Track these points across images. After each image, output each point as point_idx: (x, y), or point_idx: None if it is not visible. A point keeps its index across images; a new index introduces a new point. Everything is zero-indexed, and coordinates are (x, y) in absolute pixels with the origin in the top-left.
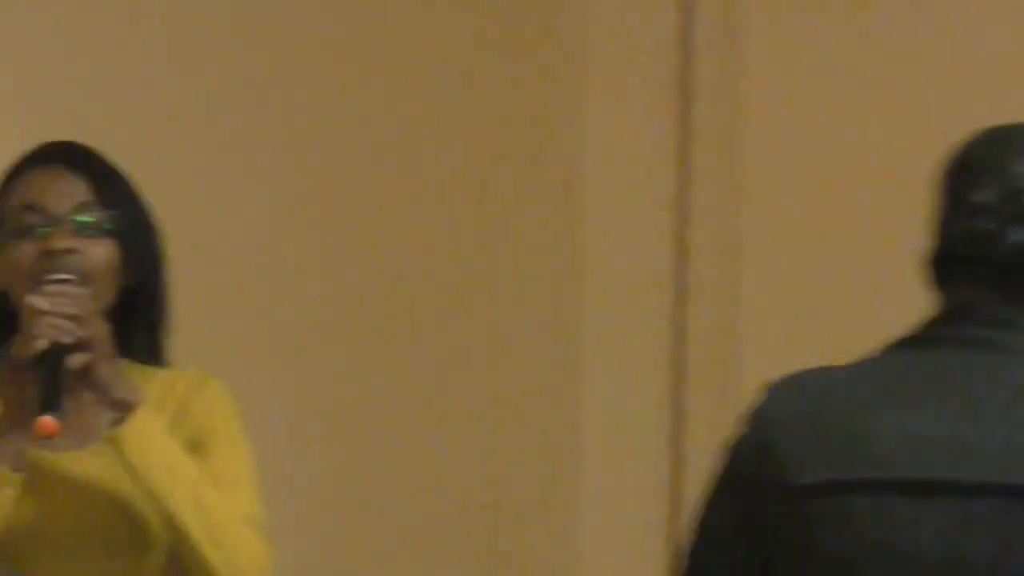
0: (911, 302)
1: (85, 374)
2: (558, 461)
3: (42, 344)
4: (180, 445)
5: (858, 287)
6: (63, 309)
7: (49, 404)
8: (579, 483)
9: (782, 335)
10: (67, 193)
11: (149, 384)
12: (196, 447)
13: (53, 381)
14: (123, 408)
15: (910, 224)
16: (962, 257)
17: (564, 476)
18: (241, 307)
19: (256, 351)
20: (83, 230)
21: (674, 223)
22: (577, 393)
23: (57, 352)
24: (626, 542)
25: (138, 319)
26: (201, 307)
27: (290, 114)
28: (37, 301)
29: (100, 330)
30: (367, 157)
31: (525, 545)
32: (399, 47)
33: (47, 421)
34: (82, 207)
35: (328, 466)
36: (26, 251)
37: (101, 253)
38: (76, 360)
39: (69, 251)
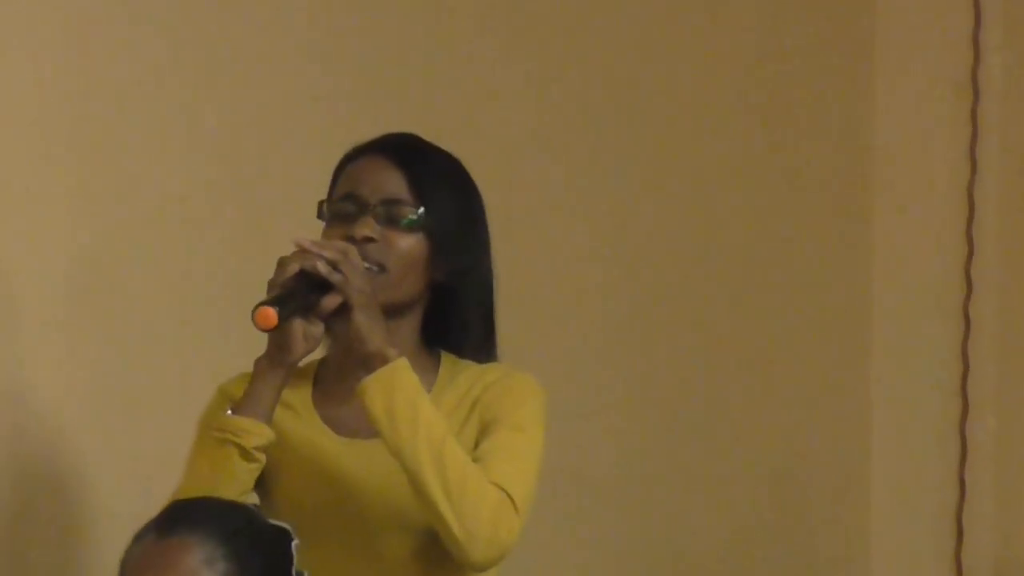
0: None
1: (341, 321)
2: (849, 442)
3: (291, 270)
4: (452, 418)
5: None
6: (322, 251)
7: (278, 302)
8: (869, 462)
9: None
10: (381, 183)
11: (459, 376)
12: (484, 429)
13: (287, 291)
14: (375, 360)
15: None
16: None
17: (855, 455)
18: (560, 301)
19: (576, 345)
20: (389, 221)
21: (963, 218)
22: (867, 380)
23: (303, 282)
24: (914, 524)
25: (453, 313)
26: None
27: (600, 117)
28: (300, 241)
29: (363, 284)
30: (674, 169)
31: (818, 519)
32: (695, 59)
33: (268, 311)
34: (392, 199)
35: (641, 447)
36: (334, 236)
37: (404, 246)
38: (328, 302)
39: (367, 239)
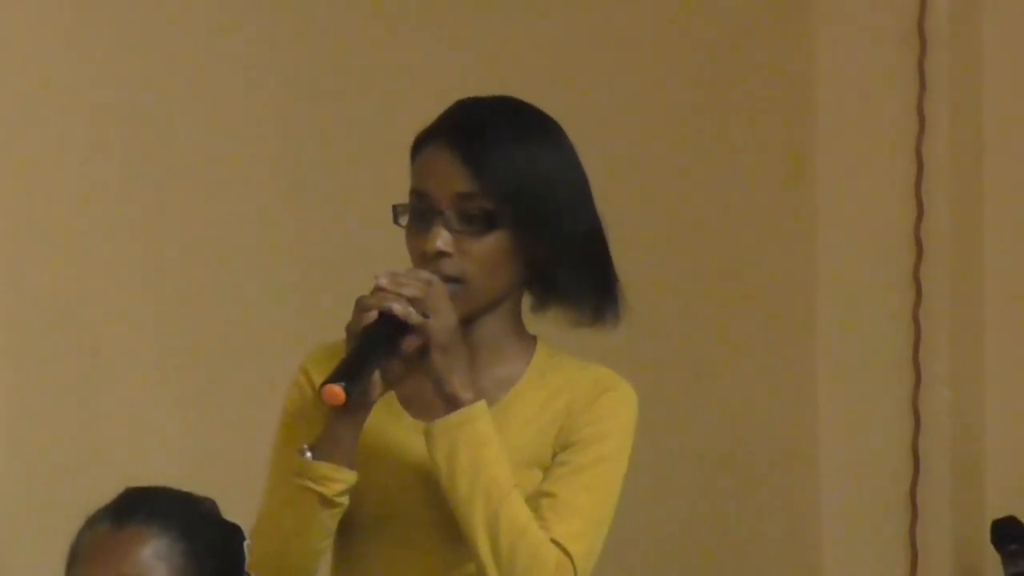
0: None
1: (421, 360)
2: (796, 418)
3: (370, 316)
4: (513, 452)
5: None
6: (402, 290)
7: (345, 374)
8: (816, 439)
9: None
10: (447, 180)
11: (551, 373)
12: (565, 445)
13: (360, 353)
14: (449, 403)
15: None
16: None
17: (801, 432)
18: None
19: None
20: (463, 222)
21: (911, 177)
22: (812, 352)
23: (383, 327)
24: (865, 502)
25: (558, 282)
26: None
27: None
28: (379, 278)
29: (446, 320)
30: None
31: (765, 498)
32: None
33: (333, 389)
34: (461, 198)
35: None
36: (413, 246)
37: (482, 252)
38: (409, 343)
39: (441, 254)
